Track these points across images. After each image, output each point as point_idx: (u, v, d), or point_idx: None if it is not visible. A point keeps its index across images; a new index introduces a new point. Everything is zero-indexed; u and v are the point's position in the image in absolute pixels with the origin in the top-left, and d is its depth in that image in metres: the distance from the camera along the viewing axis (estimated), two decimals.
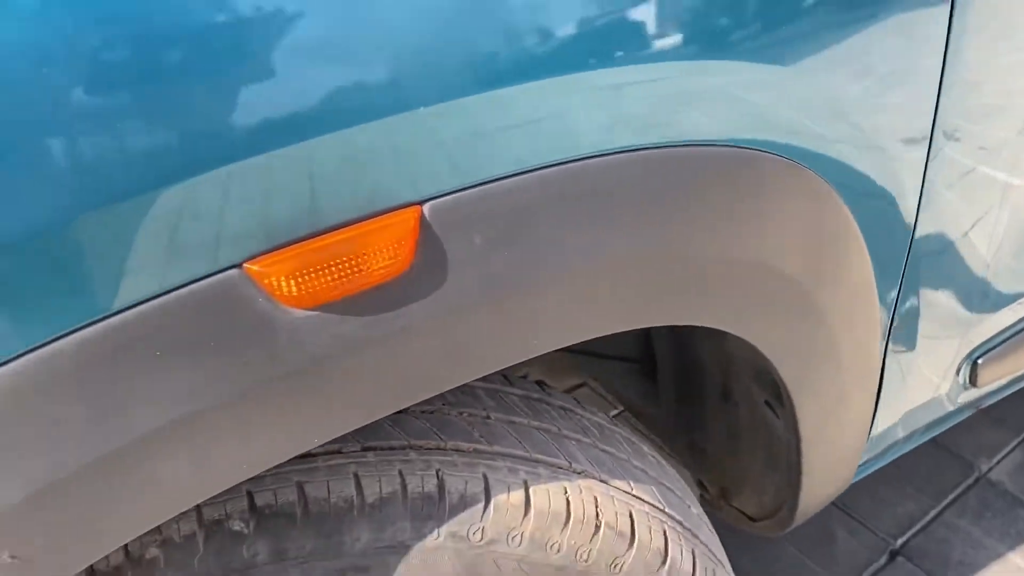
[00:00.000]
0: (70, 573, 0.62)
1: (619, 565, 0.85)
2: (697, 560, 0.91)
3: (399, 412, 0.85)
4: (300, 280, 0.59)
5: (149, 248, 0.55)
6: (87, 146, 0.52)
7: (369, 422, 0.67)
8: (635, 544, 0.86)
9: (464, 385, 0.91)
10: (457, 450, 0.82)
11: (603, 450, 0.92)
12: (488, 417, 0.87)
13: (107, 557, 0.77)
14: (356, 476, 0.78)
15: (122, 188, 0.53)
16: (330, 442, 0.79)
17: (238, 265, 0.58)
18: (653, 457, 0.99)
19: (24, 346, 0.53)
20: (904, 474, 2.00)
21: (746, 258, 0.80)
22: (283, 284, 0.59)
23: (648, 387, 1.43)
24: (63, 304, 0.54)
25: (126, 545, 0.77)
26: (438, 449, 0.82)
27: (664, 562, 0.87)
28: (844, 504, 1.94)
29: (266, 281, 0.59)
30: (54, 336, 0.54)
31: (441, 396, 0.88)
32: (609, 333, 0.75)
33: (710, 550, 0.96)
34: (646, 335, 1.35)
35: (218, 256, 0.57)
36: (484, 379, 0.93)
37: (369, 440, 0.81)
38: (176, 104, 0.54)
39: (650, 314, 0.76)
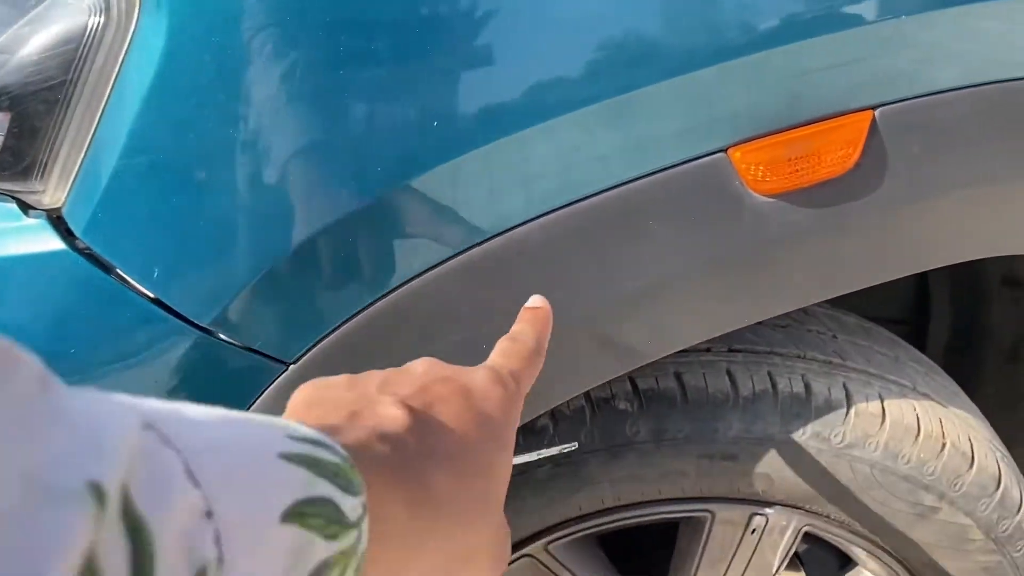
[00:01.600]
0: (541, 410, 0.72)
1: (959, 484, 0.89)
2: (1023, 493, 0.94)
3: (757, 323, 0.92)
4: (771, 168, 0.67)
5: (656, 129, 0.64)
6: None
7: (796, 308, 0.74)
8: (975, 466, 0.90)
9: (805, 308, 0.97)
10: (815, 360, 0.89)
11: (937, 380, 0.96)
12: (835, 337, 0.93)
13: None
14: (729, 372, 0.86)
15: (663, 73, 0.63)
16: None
17: (723, 150, 0.66)
18: (967, 397, 1.03)
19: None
20: None
21: None
22: (758, 170, 0.67)
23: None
24: (591, 172, 0.64)
25: None
26: (798, 357, 0.89)
27: (998, 487, 0.91)
28: None
29: (743, 166, 0.66)
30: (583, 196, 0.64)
31: (788, 314, 0.94)
32: (999, 255, 0.79)
33: None
34: (920, 295, 1.37)
35: (709, 142, 0.66)
36: (820, 305, 0.99)
37: (734, 343, 0.89)
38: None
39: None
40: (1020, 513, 0.93)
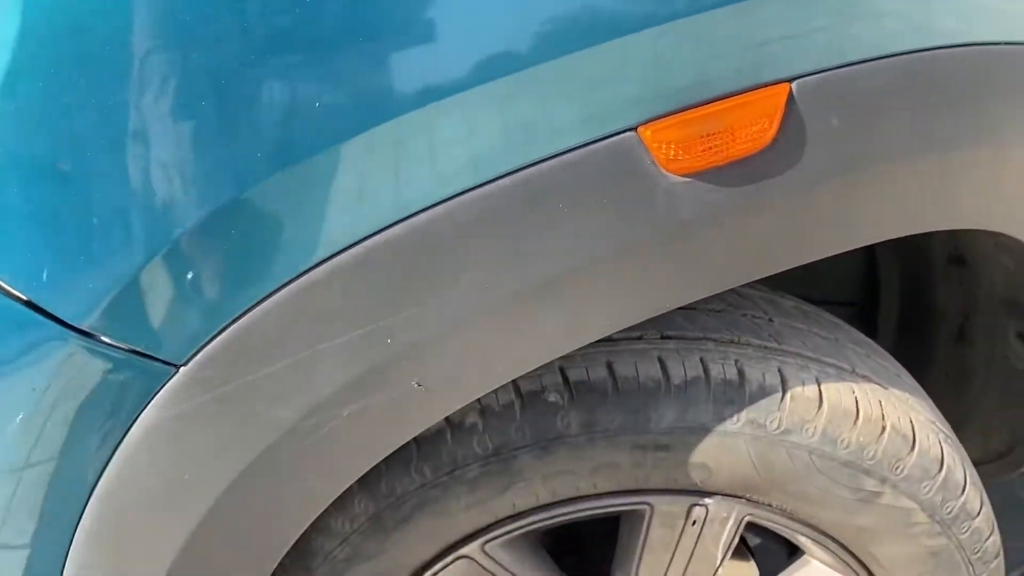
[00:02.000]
0: (457, 405, 0.69)
1: (901, 467, 0.87)
2: (968, 473, 0.92)
3: (689, 308, 0.89)
4: (683, 146, 0.64)
5: (561, 109, 0.61)
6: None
7: (717, 292, 0.71)
8: (916, 449, 0.88)
9: (740, 292, 0.94)
10: (750, 344, 0.86)
11: (878, 362, 0.94)
12: (771, 320, 0.91)
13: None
14: (661, 360, 0.83)
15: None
16: (629, 328, 0.84)
17: (632, 129, 0.63)
18: (910, 377, 1.01)
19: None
20: None
21: None
22: (669, 149, 0.64)
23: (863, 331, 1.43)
24: (495, 154, 0.61)
25: None
26: (732, 342, 0.86)
27: (940, 469, 0.89)
28: None
29: (654, 145, 0.63)
30: (487, 179, 0.60)
31: (722, 298, 0.92)
32: (923, 231, 0.77)
33: (973, 468, 0.97)
34: (869, 277, 1.35)
35: (617, 120, 0.63)
36: (757, 288, 0.97)
37: (666, 330, 0.86)
38: None
39: (967, 214, 0.78)
40: (964, 494, 0.91)
